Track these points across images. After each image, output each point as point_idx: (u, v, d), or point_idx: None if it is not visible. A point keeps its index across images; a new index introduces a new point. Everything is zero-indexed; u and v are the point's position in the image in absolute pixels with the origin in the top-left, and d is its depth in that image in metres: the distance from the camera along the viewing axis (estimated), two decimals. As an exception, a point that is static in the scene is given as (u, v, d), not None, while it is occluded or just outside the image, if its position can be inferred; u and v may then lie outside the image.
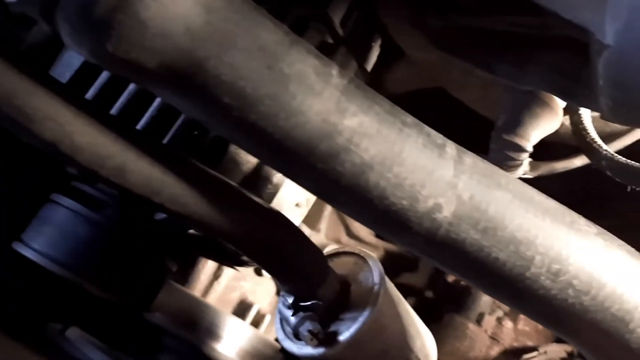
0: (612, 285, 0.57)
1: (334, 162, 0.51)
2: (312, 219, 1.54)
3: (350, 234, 1.61)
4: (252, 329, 1.16)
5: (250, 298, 1.24)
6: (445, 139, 0.56)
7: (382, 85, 1.22)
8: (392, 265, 1.60)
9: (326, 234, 1.53)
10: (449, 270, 0.59)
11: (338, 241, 1.58)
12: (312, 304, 0.70)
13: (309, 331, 0.68)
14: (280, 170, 0.56)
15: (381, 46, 1.01)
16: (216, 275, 1.20)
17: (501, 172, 0.58)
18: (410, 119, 0.55)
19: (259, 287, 1.27)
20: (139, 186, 0.54)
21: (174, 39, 0.46)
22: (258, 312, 1.23)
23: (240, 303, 1.23)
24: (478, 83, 1.04)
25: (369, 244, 1.61)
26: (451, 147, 0.56)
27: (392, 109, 0.54)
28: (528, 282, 0.56)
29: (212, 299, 1.18)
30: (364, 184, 0.52)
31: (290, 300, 0.71)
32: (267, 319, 1.25)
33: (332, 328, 0.71)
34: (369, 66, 0.98)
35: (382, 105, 0.53)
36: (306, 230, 1.52)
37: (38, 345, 0.94)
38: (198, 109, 0.50)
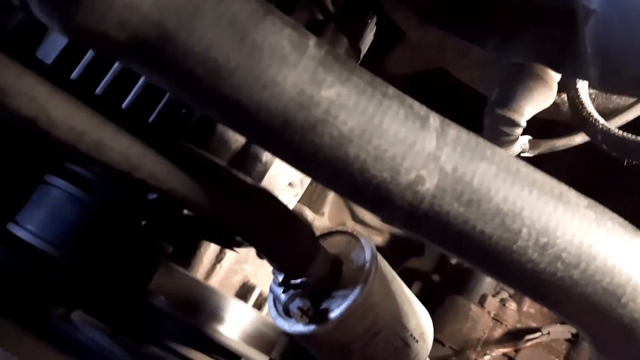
0: (602, 258, 0.55)
1: (312, 134, 0.50)
2: (315, 203, 1.53)
3: (355, 218, 1.60)
4: (254, 311, 1.16)
5: (252, 281, 1.24)
6: (428, 110, 0.55)
7: (383, 68, 1.21)
8: (398, 250, 1.60)
9: (330, 218, 1.53)
10: (434, 244, 0.57)
11: (343, 225, 1.58)
12: (301, 281, 0.69)
13: (299, 308, 0.68)
14: (258, 144, 0.56)
15: (380, 28, 1.00)
16: (218, 259, 1.20)
17: (487, 144, 0.56)
18: (391, 90, 0.54)
19: (261, 270, 1.27)
20: (118, 162, 0.54)
21: (143, 10, 0.45)
22: (260, 295, 1.23)
23: (242, 286, 1.24)
24: (474, 62, 1.03)
25: (374, 228, 1.60)
26: (434, 119, 0.54)
27: (372, 80, 0.53)
28: (515, 255, 0.54)
29: (214, 282, 1.18)
30: (343, 157, 0.51)
31: (280, 278, 0.70)
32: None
33: (323, 306, 0.70)
34: (364, 45, 0.96)
35: (361, 77, 0.52)
36: (309, 214, 1.51)
37: (40, 329, 0.95)
38: (171, 82, 0.50)
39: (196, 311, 1.09)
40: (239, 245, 0.91)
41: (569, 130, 1.06)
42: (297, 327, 0.70)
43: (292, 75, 0.49)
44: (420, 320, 0.80)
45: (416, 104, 0.55)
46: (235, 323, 1.13)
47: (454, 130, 0.55)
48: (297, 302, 0.68)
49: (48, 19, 0.47)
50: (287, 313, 0.71)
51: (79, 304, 1.04)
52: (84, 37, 0.47)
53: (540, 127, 1.05)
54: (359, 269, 0.72)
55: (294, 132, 0.50)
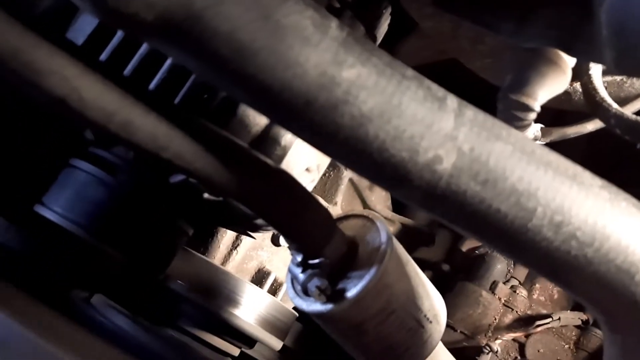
0: (616, 237, 0.57)
1: (333, 114, 0.52)
2: (328, 192, 1.55)
3: (366, 207, 1.61)
4: (270, 297, 1.18)
5: (268, 267, 1.26)
6: (446, 92, 0.56)
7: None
8: (409, 240, 1.61)
9: (343, 207, 1.55)
10: (450, 223, 0.59)
11: (355, 214, 1.58)
12: (319, 261, 0.71)
13: (317, 287, 0.69)
14: (280, 124, 0.57)
15: (393, 18, 1.01)
16: (234, 245, 1.22)
17: (503, 125, 0.58)
18: (410, 71, 0.55)
19: (276, 257, 1.30)
20: (146, 142, 0.56)
21: (172, -9, 0.47)
22: (275, 281, 1.25)
23: (257, 272, 1.26)
24: (486, 51, 1.04)
25: (385, 218, 1.61)
26: (452, 100, 0.56)
27: (391, 62, 0.54)
28: (530, 234, 0.56)
29: (230, 268, 1.21)
30: (362, 136, 0.53)
31: (299, 258, 0.72)
32: (284, 287, 1.27)
33: (340, 286, 0.72)
34: (379, 34, 0.98)
35: (380, 58, 0.54)
36: (323, 203, 1.53)
37: (62, 311, 0.97)
38: (196, 62, 0.52)
39: (213, 295, 1.12)
40: (257, 229, 0.93)
41: (580, 119, 1.07)
42: (315, 306, 0.72)
43: (315, 56, 0.51)
44: (433, 302, 0.82)
45: (434, 86, 0.56)
46: (252, 308, 1.16)
47: (471, 111, 0.56)
48: (316, 281, 0.70)
49: (81, 0, 0.49)
50: (305, 292, 0.73)
51: (99, 287, 1.07)
52: (114, 18, 0.49)
53: (551, 117, 1.06)
54: (374, 250, 0.74)
55: (315, 112, 0.52)
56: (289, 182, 0.67)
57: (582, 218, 0.56)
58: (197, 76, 0.63)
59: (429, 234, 1.65)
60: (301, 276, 0.72)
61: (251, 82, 0.51)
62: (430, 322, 0.80)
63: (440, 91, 0.56)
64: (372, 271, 0.71)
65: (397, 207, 1.66)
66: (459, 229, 0.60)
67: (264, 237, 1.26)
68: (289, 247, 0.72)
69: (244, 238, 1.22)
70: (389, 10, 0.97)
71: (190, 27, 0.49)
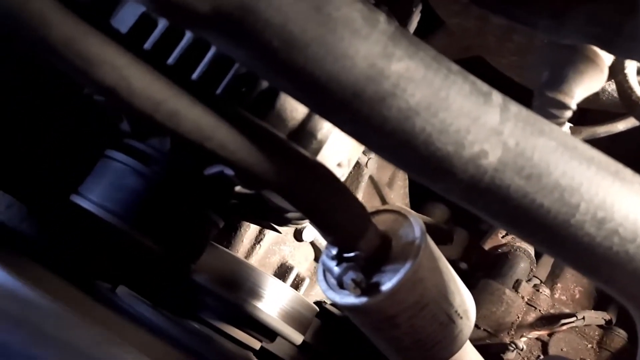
0: (658, 234, 0.57)
1: (380, 106, 0.52)
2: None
3: (385, 204, 1.62)
4: (292, 290, 1.19)
5: (290, 261, 1.27)
6: (490, 87, 0.57)
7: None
8: (428, 237, 1.61)
9: (363, 203, 1.55)
10: (491, 217, 0.59)
11: (376, 211, 1.59)
12: (354, 254, 0.71)
13: (352, 280, 0.70)
14: (325, 116, 0.58)
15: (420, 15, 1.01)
16: (258, 239, 1.23)
17: (545, 121, 0.58)
18: (455, 66, 0.55)
19: (298, 252, 1.30)
20: (192, 131, 0.57)
21: (227, -18, 0.48)
22: (297, 276, 1.26)
23: (280, 266, 1.27)
24: (513, 48, 1.04)
25: (404, 215, 1.61)
26: (497, 95, 0.56)
27: (437, 56, 0.55)
28: (572, 229, 0.56)
29: (253, 262, 1.22)
30: (409, 129, 0.53)
31: (334, 251, 0.73)
32: (306, 282, 1.28)
33: (374, 279, 0.73)
34: (410, 30, 0.98)
35: (427, 52, 0.54)
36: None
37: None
38: (247, 54, 0.52)
39: (236, 288, 1.12)
40: (286, 222, 0.93)
41: (605, 118, 1.07)
42: (349, 299, 0.72)
43: (364, 49, 0.51)
44: (464, 298, 0.82)
45: (478, 81, 0.56)
46: (274, 301, 1.16)
47: (515, 107, 0.57)
48: (351, 274, 0.70)
49: (135, -10, 0.49)
50: (340, 285, 0.73)
51: (121, 279, 1.08)
52: (167, 7, 0.50)
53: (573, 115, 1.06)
54: (408, 244, 0.74)
55: (362, 104, 0.52)
56: (328, 175, 0.67)
57: (624, 214, 0.56)
58: (244, 67, 0.63)
59: (447, 232, 1.65)
60: (336, 269, 0.72)
61: (300, 74, 0.51)
62: (461, 317, 0.80)
63: (484, 86, 0.56)
64: (407, 265, 0.71)
65: (415, 205, 1.67)
66: (499, 223, 0.60)
67: (287, 232, 1.27)
68: (326, 240, 0.73)
69: (267, 232, 1.23)
70: (420, 7, 0.97)
71: (242, 18, 0.49)
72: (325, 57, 0.50)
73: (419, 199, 1.67)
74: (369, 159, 1.48)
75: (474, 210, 0.58)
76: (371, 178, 1.53)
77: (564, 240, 0.57)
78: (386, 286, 0.71)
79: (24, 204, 0.91)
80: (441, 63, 0.54)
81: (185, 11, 0.49)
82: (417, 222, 0.76)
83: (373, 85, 0.52)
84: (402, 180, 1.59)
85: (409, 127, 0.53)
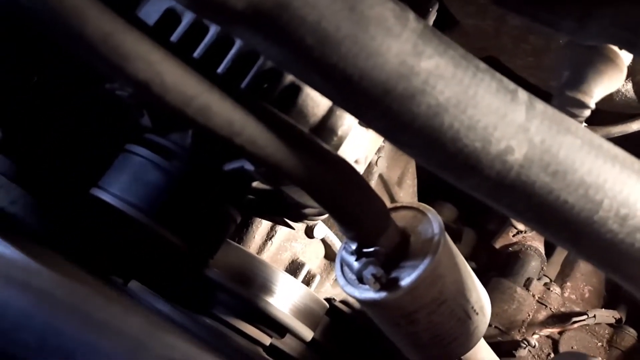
0: (681, 232, 0.58)
1: (410, 103, 0.53)
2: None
3: (394, 202, 1.63)
4: (304, 287, 1.20)
5: (301, 258, 1.28)
6: (516, 85, 0.58)
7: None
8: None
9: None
10: (515, 214, 0.60)
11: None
12: (374, 250, 0.72)
13: (373, 275, 0.71)
14: (354, 113, 0.58)
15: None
16: (269, 236, 1.24)
17: (570, 119, 0.59)
18: (482, 64, 0.56)
19: (309, 249, 1.31)
20: (222, 127, 0.57)
21: (263, -21, 0.48)
22: (309, 272, 1.27)
23: (291, 263, 1.27)
24: (529, 50, 1.05)
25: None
26: (522, 93, 0.57)
27: (465, 54, 0.56)
28: (595, 225, 0.57)
29: (265, 258, 1.22)
30: (438, 126, 0.54)
31: (353, 246, 0.74)
32: (317, 279, 1.29)
33: (393, 275, 0.73)
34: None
35: (456, 50, 0.55)
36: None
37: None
38: (280, 51, 0.53)
39: (248, 283, 1.13)
40: (302, 218, 0.94)
41: (617, 119, 1.08)
42: (368, 294, 0.73)
43: (395, 46, 0.52)
44: (480, 294, 0.83)
45: (505, 79, 0.57)
46: (286, 297, 1.17)
47: (541, 104, 0.57)
48: (371, 269, 0.71)
49: (171, -13, 0.50)
50: (359, 280, 0.74)
51: (133, 274, 1.08)
52: (204, 5, 0.50)
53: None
54: (427, 240, 0.75)
55: (392, 101, 0.53)
56: (350, 171, 0.68)
57: (647, 211, 0.57)
58: (272, 63, 0.64)
59: (456, 230, 1.66)
60: (356, 264, 0.73)
61: (332, 70, 0.52)
62: (477, 313, 0.81)
63: (511, 84, 0.57)
64: (427, 261, 0.72)
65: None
66: (523, 220, 0.61)
67: (298, 229, 1.28)
68: (346, 236, 0.74)
69: (279, 229, 1.24)
70: (436, 6, 0.98)
71: (278, 15, 0.50)
72: (358, 54, 0.51)
73: (427, 199, 1.68)
74: (378, 158, 1.49)
75: (499, 208, 0.59)
76: (381, 176, 1.54)
77: (587, 236, 0.58)
78: (406, 281, 0.72)
79: (38, 198, 0.92)
80: (470, 61, 0.55)
81: (222, 8, 0.50)
82: (435, 219, 0.77)
83: (403, 82, 0.53)
84: (411, 179, 1.60)
85: (438, 123, 0.54)
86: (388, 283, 0.72)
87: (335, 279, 1.38)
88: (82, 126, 0.93)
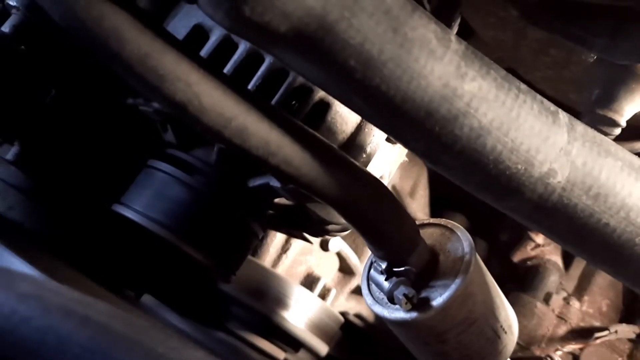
0: None
1: (453, 125, 0.52)
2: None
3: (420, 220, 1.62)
4: (320, 301, 1.19)
5: (317, 272, 1.27)
6: (556, 107, 0.57)
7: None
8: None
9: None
10: (555, 236, 0.59)
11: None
12: (405, 269, 0.71)
13: (404, 295, 0.70)
14: (393, 134, 0.58)
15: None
16: (284, 249, 1.23)
17: (610, 141, 0.58)
18: (524, 86, 0.56)
19: (324, 262, 1.30)
20: (258, 147, 0.56)
21: (308, 2, 0.48)
22: (324, 286, 1.26)
23: (307, 276, 1.26)
24: (549, 62, 1.04)
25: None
26: (563, 115, 0.57)
27: (507, 76, 0.55)
28: (637, 248, 0.56)
29: (280, 272, 1.21)
30: (480, 148, 0.53)
31: (383, 265, 0.72)
32: (333, 293, 1.27)
33: (423, 294, 0.72)
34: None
35: (498, 72, 0.54)
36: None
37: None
38: (322, 72, 0.52)
39: (264, 298, 1.12)
40: (324, 234, 0.93)
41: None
42: (398, 314, 0.72)
43: (439, 68, 0.51)
44: (508, 312, 0.82)
45: (545, 100, 0.57)
46: (301, 311, 1.16)
47: (581, 126, 0.57)
48: (402, 289, 0.70)
49: (213, 8, 0.49)
50: (390, 300, 0.73)
51: (146, 288, 1.07)
52: (245, 27, 0.50)
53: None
54: (457, 259, 0.74)
55: (435, 123, 0.53)
56: (382, 190, 0.67)
57: (688, 234, 0.57)
58: (314, 84, 0.63)
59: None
60: (386, 284, 0.72)
61: (375, 92, 0.52)
62: (506, 332, 0.80)
63: (552, 105, 0.57)
64: (458, 280, 0.71)
65: (434, 214, 1.67)
66: (563, 242, 0.60)
67: (313, 242, 1.27)
68: (375, 255, 0.73)
69: (294, 242, 1.23)
70: (459, 20, 0.97)
71: (321, 38, 0.49)
72: (401, 76, 0.51)
73: (437, 209, 1.67)
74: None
75: (539, 230, 0.59)
76: (393, 187, 1.53)
77: (627, 259, 0.57)
78: (437, 301, 0.70)
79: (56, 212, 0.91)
80: (511, 82, 0.55)
81: (266, 32, 0.49)
82: (465, 237, 0.76)
83: (446, 105, 0.52)
84: (423, 190, 1.59)
85: (480, 145, 0.53)
86: (419, 303, 0.71)
87: (350, 292, 1.38)
88: (102, 141, 0.92)
